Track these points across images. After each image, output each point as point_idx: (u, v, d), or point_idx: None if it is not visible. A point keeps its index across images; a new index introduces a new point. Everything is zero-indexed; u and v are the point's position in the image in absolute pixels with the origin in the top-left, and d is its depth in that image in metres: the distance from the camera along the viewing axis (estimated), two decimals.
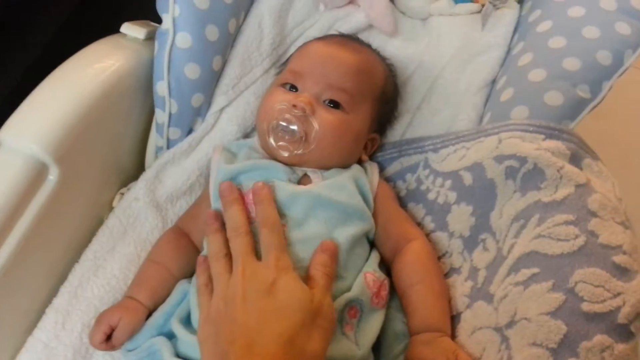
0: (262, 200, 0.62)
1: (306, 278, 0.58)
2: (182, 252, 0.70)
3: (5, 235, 0.58)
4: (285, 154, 0.68)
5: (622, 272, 0.55)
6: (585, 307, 0.52)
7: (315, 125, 0.67)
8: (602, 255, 0.55)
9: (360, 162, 0.76)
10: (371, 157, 0.79)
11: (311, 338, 0.52)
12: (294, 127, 0.66)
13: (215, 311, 0.55)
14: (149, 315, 0.66)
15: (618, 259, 0.55)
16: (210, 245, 0.61)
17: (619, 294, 0.53)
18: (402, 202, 0.75)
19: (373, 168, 0.75)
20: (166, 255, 0.69)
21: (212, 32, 0.74)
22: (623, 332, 0.52)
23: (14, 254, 0.59)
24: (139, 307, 0.65)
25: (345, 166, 0.73)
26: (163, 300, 0.66)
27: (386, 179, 0.78)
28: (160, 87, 0.73)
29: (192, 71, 0.73)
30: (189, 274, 0.69)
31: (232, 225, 0.61)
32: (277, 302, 0.53)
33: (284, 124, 0.67)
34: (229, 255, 0.59)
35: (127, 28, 0.75)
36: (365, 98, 0.73)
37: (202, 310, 0.58)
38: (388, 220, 0.69)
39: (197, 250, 0.70)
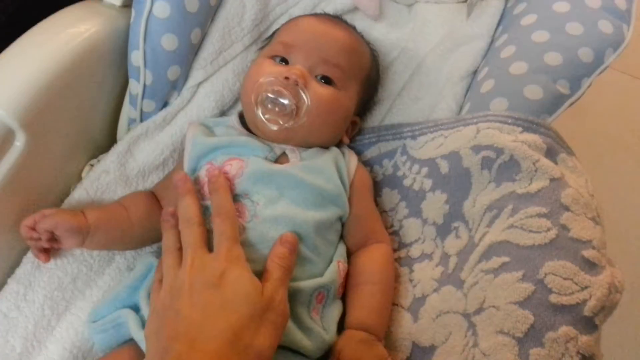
0: (217, 189, 0.60)
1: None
2: (148, 204, 0.69)
3: None
4: (274, 128, 0.66)
5: (591, 266, 0.56)
6: (553, 298, 0.53)
7: (307, 99, 0.65)
8: (572, 249, 0.56)
9: (339, 144, 0.75)
10: (351, 141, 0.78)
11: (259, 333, 0.50)
12: (285, 100, 0.64)
13: (161, 304, 0.53)
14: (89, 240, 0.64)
15: (587, 253, 0.56)
16: (164, 241, 0.59)
17: (586, 287, 0.54)
18: (378, 187, 0.75)
19: (351, 153, 0.74)
20: (131, 201, 0.68)
21: (192, 3, 0.71)
22: (588, 324, 0.53)
23: None
24: (80, 217, 0.63)
25: (327, 146, 0.72)
26: (108, 233, 0.65)
27: (364, 163, 0.77)
28: (135, 57, 0.70)
29: (169, 42, 0.70)
30: (149, 233, 0.68)
31: (184, 216, 0.59)
32: (224, 295, 0.51)
33: (273, 96, 0.65)
34: (181, 249, 0.57)
35: None
36: (355, 77, 0.72)
37: (151, 304, 0.56)
38: (362, 213, 0.69)
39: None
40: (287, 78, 0.65)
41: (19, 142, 0.60)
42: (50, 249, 0.64)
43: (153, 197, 0.70)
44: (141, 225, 0.67)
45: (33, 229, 0.61)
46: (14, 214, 0.63)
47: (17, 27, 0.66)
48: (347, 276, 0.66)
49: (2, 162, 0.59)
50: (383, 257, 0.67)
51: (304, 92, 0.65)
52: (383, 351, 0.59)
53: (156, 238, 0.69)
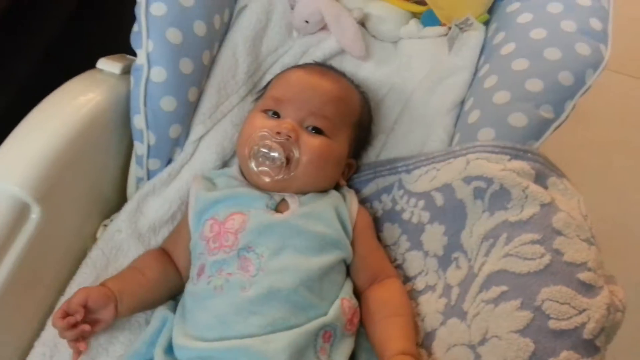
0: None
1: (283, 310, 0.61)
2: (160, 262, 0.72)
3: None
4: (267, 180, 0.70)
5: (587, 288, 0.57)
6: (552, 324, 0.55)
7: (297, 152, 0.69)
8: (567, 272, 0.58)
9: (337, 186, 0.78)
10: (348, 180, 0.81)
11: None
12: (275, 154, 0.68)
13: None
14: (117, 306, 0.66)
15: (583, 275, 0.58)
16: None
17: (584, 310, 0.56)
18: (378, 223, 0.78)
19: (351, 195, 0.77)
20: (143, 262, 0.72)
21: (187, 65, 0.76)
22: (589, 347, 0.54)
23: (2, 291, 0.60)
24: (104, 287, 0.66)
25: (324, 191, 0.75)
26: (134, 296, 0.68)
27: (363, 200, 0.80)
28: (138, 121, 0.74)
29: (168, 104, 0.75)
30: (166, 288, 0.71)
31: None
32: None
33: (265, 150, 0.68)
34: None
35: (103, 63, 0.77)
36: (344, 125, 0.76)
37: None
38: (368, 252, 0.71)
39: (177, 269, 0.73)
40: (278, 133, 0.68)
41: (35, 214, 0.64)
42: (90, 333, 0.64)
43: (164, 254, 0.74)
44: (158, 283, 0.70)
45: (66, 316, 0.62)
46: (35, 280, 0.66)
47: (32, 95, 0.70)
48: (367, 313, 0.68)
49: (20, 236, 0.63)
50: (398, 291, 0.69)
51: (294, 146, 0.69)
52: None
53: (176, 292, 0.72)
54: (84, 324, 0.63)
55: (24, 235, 0.63)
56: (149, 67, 0.73)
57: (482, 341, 0.58)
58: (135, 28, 0.75)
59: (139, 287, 0.69)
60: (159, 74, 0.74)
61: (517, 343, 0.55)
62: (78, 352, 0.65)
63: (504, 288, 0.59)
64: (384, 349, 0.63)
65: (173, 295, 0.73)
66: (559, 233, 0.61)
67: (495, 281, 0.60)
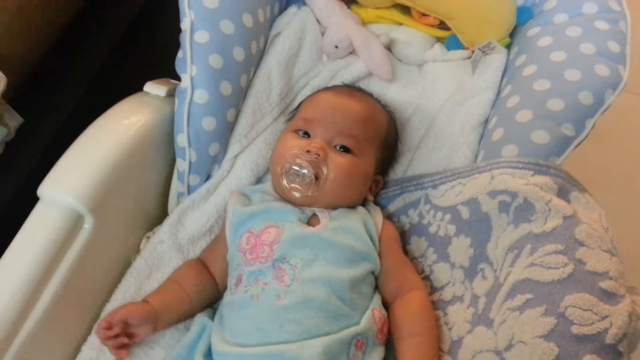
0: None
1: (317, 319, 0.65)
2: (198, 273, 0.77)
3: (48, 279, 0.65)
4: (297, 195, 0.74)
5: (609, 296, 0.60)
6: (575, 329, 0.57)
7: (325, 169, 0.74)
8: (589, 281, 0.60)
9: (364, 202, 0.82)
10: (375, 196, 0.85)
11: None
12: (305, 171, 0.73)
13: None
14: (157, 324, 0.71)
15: (605, 284, 0.60)
16: None
17: (606, 316, 0.58)
18: (405, 236, 0.81)
19: (376, 210, 0.80)
20: (183, 275, 0.76)
21: (226, 88, 0.81)
22: (611, 352, 0.56)
23: (56, 297, 0.65)
24: (146, 304, 0.71)
25: (353, 206, 0.79)
26: (172, 312, 0.72)
27: (390, 214, 0.84)
28: (181, 139, 0.80)
29: (208, 123, 0.80)
30: (204, 298, 0.76)
31: None
32: None
33: (296, 167, 0.73)
34: None
35: (149, 87, 0.83)
36: (371, 143, 0.80)
37: None
38: (392, 264, 0.75)
39: (213, 279, 0.77)
40: (308, 151, 0.73)
41: (88, 224, 0.69)
42: (128, 345, 0.70)
43: (200, 264, 0.78)
44: (197, 294, 0.75)
45: (109, 328, 0.68)
46: (85, 287, 0.71)
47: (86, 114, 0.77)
48: (391, 328, 0.71)
49: (74, 245, 0.68)
50: (419, 304, 0.71)
51: (322, 164, 0.73)
52: None
53: (213, 299, 0.77)
54: (123, 337, 0.69)
55: (78, 244, 0.68)
56: (193, 90, 0.79)
57: (508, 347, 0.60)
58: (179, 54, 0.81)
59: (178, 301, 0.74)
60: (201, 96, 0.79)
61: (542, 347, 0.57)
62: (120, 359, 0.69)
63: (529, 296, 0.62)
64: None
65: (209, 304, 0.78)
66: (581, 244, 0.63)
67: (520, 290, 0.63)
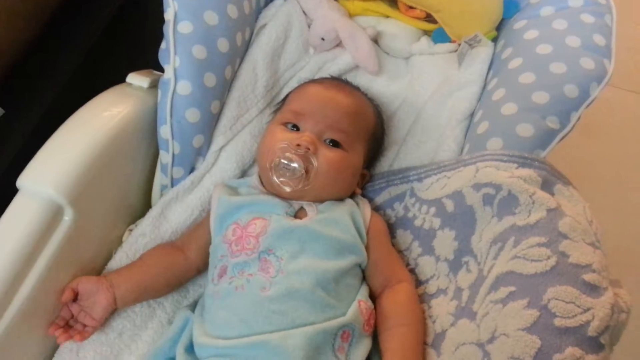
0: None
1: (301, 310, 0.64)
2: (165, 251, 0.77)
3: (27, 271, 0.64)
4: (287, 189, 0.73)
5: (592, 288, 0.60)
6: (558, 322, 0.57)
7: (315, 163, 0.73)
8: (572, 273, 0.60)
9: (352, 195, 0.81)
10: (362, 190, 0.85)
11: None
12: (295, 165, 0.72)
13: None
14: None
15: (588, 277, 0.60)
16: None
17: (588, 309, 0.58)
18: (392, 229, 0.81)
19: (364, 203, 0.80)
20: (147, 252, 0.77)
21: (210, 79, 0.80)
22: (593, 344, 0.56)
23: (35, 288, 0.64)
24: (98, 276, 0.72)
25: (340, 199, 0.78)
26: (131, 284, 0.72)
27: (376, 208, 0.83)
28: (164, 131, 0.79)
29: (192, 115, 0.79)
30: (170, 275, 0.75)
31: None
32: None
33: (285, 161, 0.72)
34: None
35: (132, 78, 0.81)
36: (360, 137, 0.80)
37: None
38: (380, 257, 0.74)
39: (183, 260, 0.76)
40: (298, 145, 0.72)
41: (67, 216, 0.68)
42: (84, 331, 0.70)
43: (172, 246, 0.78)
44: (160, 269, 0.75)
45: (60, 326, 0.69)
46: (65, 280, 0.70)
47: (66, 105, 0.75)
48: (377, 320, 0.71)
49: (53, 237, 0.67)
50: (406, 296, 0.71)
51: (313, 158, 0.72)
52: None
53: (181, 282, 0.78)
54: (75, 326, 0.69)
55: (57, 236, 0.67)
56: (176, 81, 0.78)
57: (491, 339, 0.60)
58: (163, 45, 0.80)
59: (138, 274, 0.73)
60: (184, 87, 0.78)
61: (524, 340, 0.57)
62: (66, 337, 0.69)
63: (512, 288, 0.61)
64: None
65: (179, 284, 0.78)
66: (564, 236, 0.63)
67: (503, 282, 0.63)
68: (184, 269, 0.76)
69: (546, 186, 0.69)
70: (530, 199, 0.67)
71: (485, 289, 0.65)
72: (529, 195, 0.67)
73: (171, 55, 0.78)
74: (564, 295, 0.59)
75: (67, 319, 0.70)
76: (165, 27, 0.79)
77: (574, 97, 0.76)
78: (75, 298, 0.70)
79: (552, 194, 0.69)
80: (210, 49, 0.80)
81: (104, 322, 0.72)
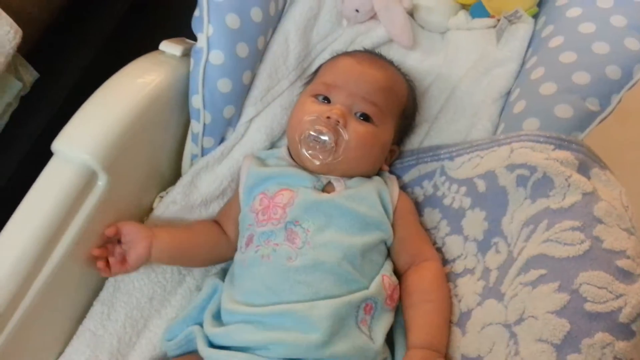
0: None
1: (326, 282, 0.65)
2: (211, 227, 0.78)
3: (61, 235, 0.65)
4: (317, 163, 0.73)
5: (625, 275, 0.59)
6: (589, 307, 0.56)
7: (345, 135, 0.72)
8: (606, 259, 0.59)
9: (380, 171, 0.81)
10: (390, 166, 0.84)
11: None
12: (325, 138, 0.72)
13: None
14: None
15: (621, 262, 0.59)
16: None
17: (621, 295, 0.57)
18: (419, 208, 0.80)
19: (393, 181, 0.79)
20: (196, 223, 0.78)
21: (243, 49, 0.80)
22: (624, 331, 0.56)
23: (69, 252, 0.66)
24: (145, 227, 0.73)
25: (369, 175, 0.78)
26: (172, 244, 0.73)
27: (404, 185, 0.83)
28: (196, 100, 0.79)
29: (224, 85, 0.79)
30: (214, 253, 0.77)
31: None
32: None
33: (315, 134, 0.72)
34: None
35: (165, 45, 0.81)
36: (391, 112, 0.79)
37: None
38: (407, 235, 0.74)
39: (226, 239, 0.77)
40: (328, 117, 0.71)
41: (101, 181, 0.69)
42: (117, 262, 0.71)
43: (215, 223, 0.79)
44: (203, 241, 0.76)
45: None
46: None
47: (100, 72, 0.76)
48: (402, 296, 0.71)
49: (87, 201, 0.68)
50: (433, 274, 0.71)
51: (343, 130, 0.72)
52: None
53: (220, 259, 0.78)
54: (112, 248, 0.71)
55: (91, 201, 0.68)
56: (209, 50, 0.78)
57: (519, 321, 0.60)
58: (196, 13, 0.79)
59: (181, 235, 0.75)
60: (217, 56, 0.78)
61: (553, 323, 0.57)
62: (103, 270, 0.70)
63: (543, 271, 0.61)
64: (408, 335, 0.67)
65: (217, 261, 0.79)
66: (599, 221, 0.62)
67: (534, 265, 0.62)
68: (225, 249, 0.77)
69: (582, 169, 0.68)
70: (566, 182, 0.65)
71: (515, 271, 0.64)
72: (564, 178, 0.65)
73: (205, 23, 0.77)
74: (596, 281, 0.58)
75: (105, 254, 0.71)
76: None
77: (616, 78, 0.73)
78: (118, 239, 0.71)
79: (589, 178, 0.68)
80: (244, 18, 0.79)
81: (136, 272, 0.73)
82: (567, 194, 0.65)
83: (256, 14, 0.81)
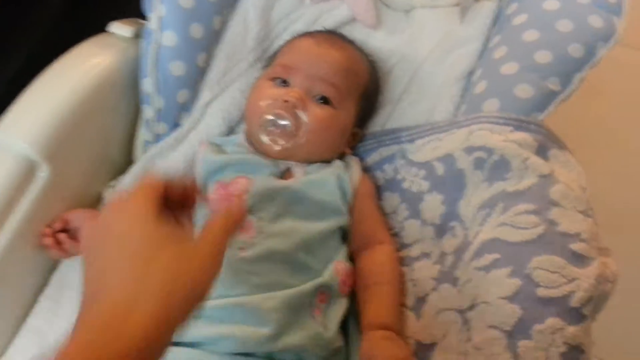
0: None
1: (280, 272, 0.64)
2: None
3: None
4: (277, 148, 0.70)
5: (579, 258, 0.58)
6: (540, 292, 0.55)
7: (305, 119, 0.70)
8: (560, 242, 0.58)
9: (342, 155, 0.79)
10: (353, 149, 0.82)
11: None
12: (285, 122, 0.69)
13: None
14: None
15: (575, 246, 0.58)
16: None
17: (573, 279, 0.56)
18: (380, 192, 0.78)
19: (355, 163, 0.77)
20: None
21: (197, 30, 0.77)
22: (575, 315, 0.55)
23: (8, 249, 0.63)
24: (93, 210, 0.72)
25: (329, 160, 0.76)
26: None
27: (366, 169, 0.81)
28: (147, 84, 0.76)
29: (177, 68, 0.76)
30: None
31: None
32: None
33: (274, 118, 0.69)
34: None
35: (115, 27, 0.78)
36: (351, 94, 0.76)
37: None
38: (363, 219, 0.72)
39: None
40: (286, 101, 0.69)
41: (44, 172, 0.66)
42: (65, 245, 0.69)
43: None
44: None
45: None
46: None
47: (45, 56, 0.73)
48: (356, 279, 0.70)
49: (27, 194, 0.65)
50: (386, 256, 0.70)
51: (302, 114, 0.69)
52: (405, 345, 0.62)
53: None
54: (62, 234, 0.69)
55: (32, 193, 0.65)
56: (161, 31, 0.75)
57: (472, 306, 0.59)
58: None
59: None
60: (170, 38, 0.75)
61: (505, 309, 0.56)
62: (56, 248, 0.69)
63: (496, 256, 0.60)
64: (362, 318, 0.65)
65: None
66: (555, 204, 0.61)
67: (488, 249, 0.61)
68: None
69: (541, 151, 0.66)
70: (523, 164, 0.64)
71: (470, 255, 0.63)
72: (521, 160, 0.64)
73: (156, 3, 0.74)
74: (549, 265, 0.57)
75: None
76: None
77: (578, 57, 0.71)
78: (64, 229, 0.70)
79: (547, 159, 0.66)
80: None
81: None
82: (523, 176, 0.64)
83: None
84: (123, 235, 0.41)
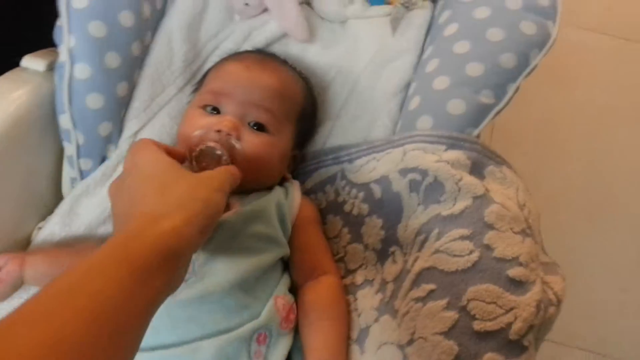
0: None
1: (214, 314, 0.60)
2: (94, 248, 0.71)
3: None
4: None
5: (517, 285, 0.56)
6: (477, 325, 0.53)
7: (239, 147, 0.66)
8: (496, 270, 0.56)
9: (282, 180, 0.75)
10: (293, 172, 0.79)
11: None
12: (219, 152, 0.65)
13: None
14: None
15: (513, 272, 0.56)
16: None
17: (511, 309, 0.54)
18: (322, 215, 0.75)
19: (295, 188, 0.74)
20: (79, 245, 0.72)
21: (113, 59, 0.72)
22: (514, 348, 0.53)
23: None
24: (16, 254, 0.67)
25: (269, 187, 0.72)
26: (45, 260, 0.68)
27: (307, 191, 0.78)
28: (64, 120, 0.71)
29: (94, 101, 0.71)
30: None
31: None
32: None
33: (205, 149, 0.64)
34: None
35: (27, 61, 0.73)
36: (287, 118, 0.72)
37: None
38: (305, 247, 0.69)
39: None
40: (219, 130, 0.65)
41: None
42: None
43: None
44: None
45: None
46: None
47: None
48: (299, 314, 0.67)
49: None
50: (331, 290, 0.67)
51: (236, 143, 0.65)
52: None
53: None
54: None
55: None
56: (72, 64, 0.70)
57: (410, 341, 0.57)
58: (58, 22, 0.72)
59: (59, 254, 0.69)
60: (82, 70, 0.70)
61: (442, 346, 0.53)
62: None
63: (432, 286, 0.57)
64: (307, 356, 0.62)
65: None
66: (490, 227, 0.59)
67: (425, 279, 0.59)
68: None
69: (476, 169, 0.64)
70: (457, 186, 0.61)
71: (408, 284, 0.60)
72: (455, 182, 0.62)
73: (65, 34, 0.70)
74: (485, 295, 0.55)
75: None
76: (59, 1, 0.71)
77: (511, 67, 0.69)
78: None
79: (483, 177, 0.64)
80: (111, 24, 0.72)
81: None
82: (457, 198, 0.61)
83: (126, 18, 0.73)
84: (146, 168, 0.52)
